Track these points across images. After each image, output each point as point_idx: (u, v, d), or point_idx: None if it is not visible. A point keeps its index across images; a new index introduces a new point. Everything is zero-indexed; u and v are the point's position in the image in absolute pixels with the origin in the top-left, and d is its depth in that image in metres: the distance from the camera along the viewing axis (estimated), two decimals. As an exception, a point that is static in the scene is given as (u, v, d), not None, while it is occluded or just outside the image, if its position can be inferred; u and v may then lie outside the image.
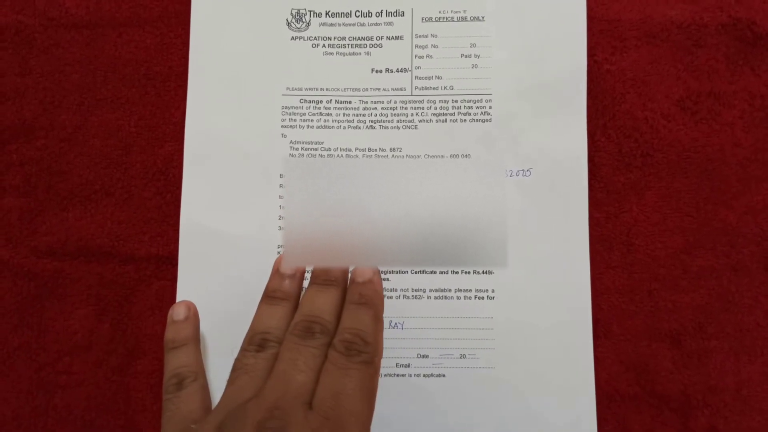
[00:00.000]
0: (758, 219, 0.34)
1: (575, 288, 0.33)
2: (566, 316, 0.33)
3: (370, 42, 0.35)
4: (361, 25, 0.35)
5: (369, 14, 0.35)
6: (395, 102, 0.34)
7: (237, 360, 0.26)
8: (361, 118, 0.34)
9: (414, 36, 0.35)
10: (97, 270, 0.34)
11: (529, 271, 0.33)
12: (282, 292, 0.29)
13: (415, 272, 0.33)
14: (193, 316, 0.30)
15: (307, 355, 0.25)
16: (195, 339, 0.29)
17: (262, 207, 0.34)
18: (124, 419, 0.33)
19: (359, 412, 0.24)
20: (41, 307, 0.34)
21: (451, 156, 0.34)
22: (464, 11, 0.35)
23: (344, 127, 0.34)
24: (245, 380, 0.25)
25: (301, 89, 0.35)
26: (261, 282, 0.33)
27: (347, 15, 0.35)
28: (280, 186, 0.34)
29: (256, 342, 0.26)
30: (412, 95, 0.34)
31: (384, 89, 0.34)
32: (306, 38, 0.35)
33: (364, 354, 0.25)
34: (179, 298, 0.33)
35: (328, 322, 0.27)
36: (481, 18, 0.35)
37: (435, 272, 0.33)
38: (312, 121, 0.34)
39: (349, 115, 0.34)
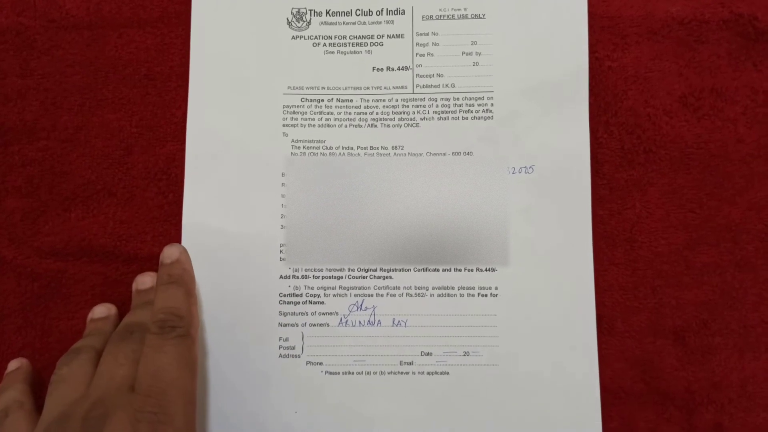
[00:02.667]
0: (762, 215, 0.34)
1: (579, 285, 0.33)
2: (570, 313, 0.33)
3: (371, 40, 0.35)
4: (361, 23, 0.35)
5: (369, 13, 0.35)
6: (397, 100, 0.34)
7: (52, 376, 0.27)
8: (363, 116, 0.34)
9: (415, 34, 0.35)
10: (101, 270, 0.34)
11: (532, 268, 0.33)
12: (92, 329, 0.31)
13: (418, 270, 0.33)
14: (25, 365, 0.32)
15: (126, 350, 0.26)
16: (22, 379, 0.30)
17: (264, 206, 0.34)
18: (127, 419, 0.33)
19: (179, 382, 0.24)
20: (45, 307, 0.34)
21: (453, 154, 0.34)
22: (465, 9, 0.35)
23: (346, 126, 0.34)
24: (63, 389, 0.25)
25: (302, 88, 0.35)
26: (263, 281, 0.33)
27: (348, 14, 0.35)
28: (282, 185, 0.34)
29: (67, 355, 0.27)
30: (413, 93, 0.34)
31: (385, 87, 0.34)
32: (307, 37, 0.35)
33: (179, 329, 0.26)
34: (182, 297, 0.33)
35: (149, 322, 0.27)
36: (481, 15, 0.35)
37: (438, 270, 0.33)
38: (313, 119, 0.34)
39: (350, 113, 0.34)
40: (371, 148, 0.34)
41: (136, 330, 0.27)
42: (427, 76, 0.34)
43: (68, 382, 0.26)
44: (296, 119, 0.34)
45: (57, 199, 0.34)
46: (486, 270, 0.33)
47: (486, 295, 0.33)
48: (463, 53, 0.35)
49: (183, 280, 0.30)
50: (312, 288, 0.33)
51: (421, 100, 0.34)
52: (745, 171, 0.34)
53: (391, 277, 0.33)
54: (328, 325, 0.33)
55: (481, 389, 0.32)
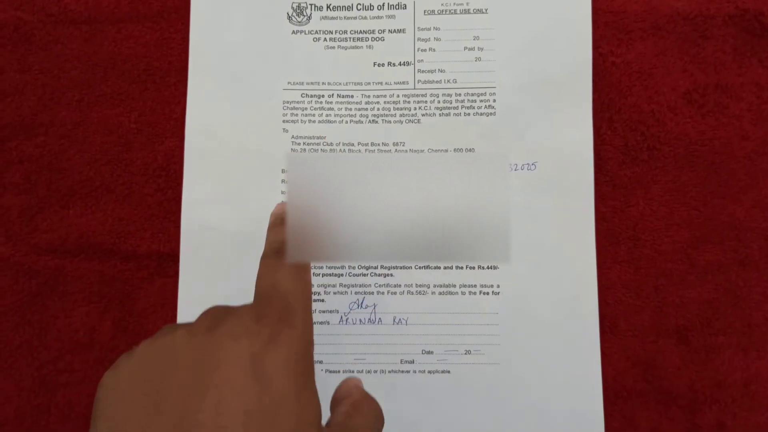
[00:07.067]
0: (766, 213, 0.33)
1: (581, 283, 0.33)
2: (572, 311, 0.32)
3: (372, 35, 0.35)
4: (362, 18, 0.35)
5: (371, 7, 0.35)
6: (398, 96, 0.34)
7: None
8: (364, 112, 0.34)
9: (416, 29, 0.34)
10: (99, 267, 0.34)
11: (534, 266, 0.33)
12: None
13: (419, 268, 0.33)
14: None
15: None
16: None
17: (264, 202, 0.33)
18: (126, 417, 0.33)
19: (297, 292, 0.24)
20: (42, 305, 0.34)
21: (454, 150, 0.34)
22: (467, 3, 0.34)
23: (346, 122, 0.34)
24: None
25: (302, 83, 0.34)
26: (263, 279, 0.33)
27: (349, 8, 0.35)
28: (282, 181, 0.34)
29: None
30: (414, 89, 0.34)
31: (386, 83, 0.34)
32: (307, 32, 0.35)
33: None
34: (181, 294, 0.33)
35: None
36: (484, 10, 0.34)
37: (439, 268, 0.33)
38: (314, 115, 0.34)
39: (351, 109, 0.34)
40: (372, 144, 0.34)
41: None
42: (428, 71, 0.34)
43: None
44: (296, 115, 0.34)
45: (55, 195, 0.34)
46: (488, 268, 0.33)
47: (488, 293, 0.33)
48: (465, 48, 0.34)
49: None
50: (312, 285, 0.33)
51: (423, 95, 0.34)
52: (750, 168, 0.33)
53: (392, 275, 0.33)
54: (328, 323, 0.33)
55: (482, 388, 0.32)
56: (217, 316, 0.22)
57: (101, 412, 0.21)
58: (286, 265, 0.26)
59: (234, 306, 0.23)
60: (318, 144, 0.34)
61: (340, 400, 0.28)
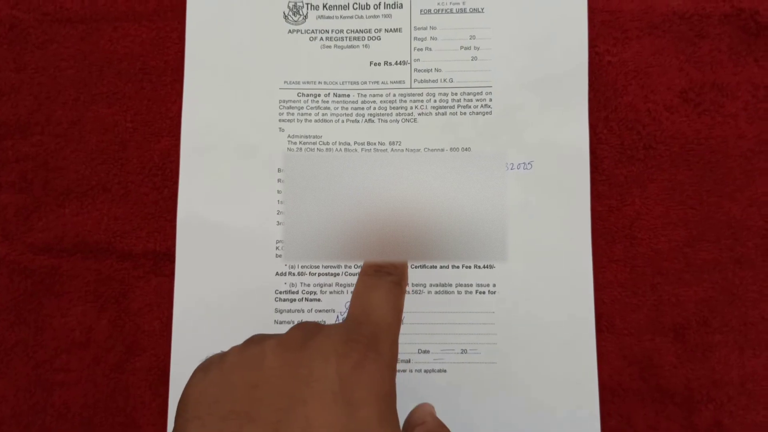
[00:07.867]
0: (762, 211, 0.33)
1: (577, 282, 0.33)
2: (568, 310, 0.32)
3: (368, 34, 0.35)
4: (359, 17, 0.35)
5: (367, 6, 0.35)
6: (394, 95, 0.34)
7: None
8: (360, 111, 0.34)
9: (413, 28, 0.34)
10: (95, 266, 0.34)
11: (530, 265, 0.33)
12: None
13: (415, 267, 0.33)
14: None
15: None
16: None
17: (261, 202, 0.33)
18: (122, 416, 0.33)
19: (387, 320, 0.25)
20: (38, 304, 0.34)
21: (451, 149, 0.34)
22: (463, 3, 0.34)
23: (343, 121, 0.34)
24: None
25: (298, 83, 0.34)
26: (258, 278, 0.33)
27: (345, 7, 0.35)
28: (279, 180, 0.34)
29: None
30: (411, 88, 0.34)
31: (383, 82, 0.34)
32: (303, 31, 0.35)
33: (393, 276, 0.27)
34: (177, 293, 0.33)
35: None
36: (480, 10, 0.34)
37: (435, 267, 0.33)
38: (310, 114, 0.34)
39: (347, 108, 0.34)
40: (368, 143, 0.34)
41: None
42: (425, 70, 0.34)
43: None
44: (293, 114, 0.34)
45: (51, 194, 0.34)
46: (484, 267, 0.33)
47: (484, 293, 0.33)
48: (461, 48, 0.34)
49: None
50: (308, 285, 0.33)
51: (419, 95, 0.34)
52: (745, 167, 0.33)
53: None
54: (324, 322, 0.33)
55: (479, 387, 0.32)
56: (308, 331, 0.22)
57: (192, 410, 0.21)
58: (383, 285, 0.26)
59: (324, 324, 0.23)
60: (314, 143, 0.34)
61: (413, 426, 0.29)
